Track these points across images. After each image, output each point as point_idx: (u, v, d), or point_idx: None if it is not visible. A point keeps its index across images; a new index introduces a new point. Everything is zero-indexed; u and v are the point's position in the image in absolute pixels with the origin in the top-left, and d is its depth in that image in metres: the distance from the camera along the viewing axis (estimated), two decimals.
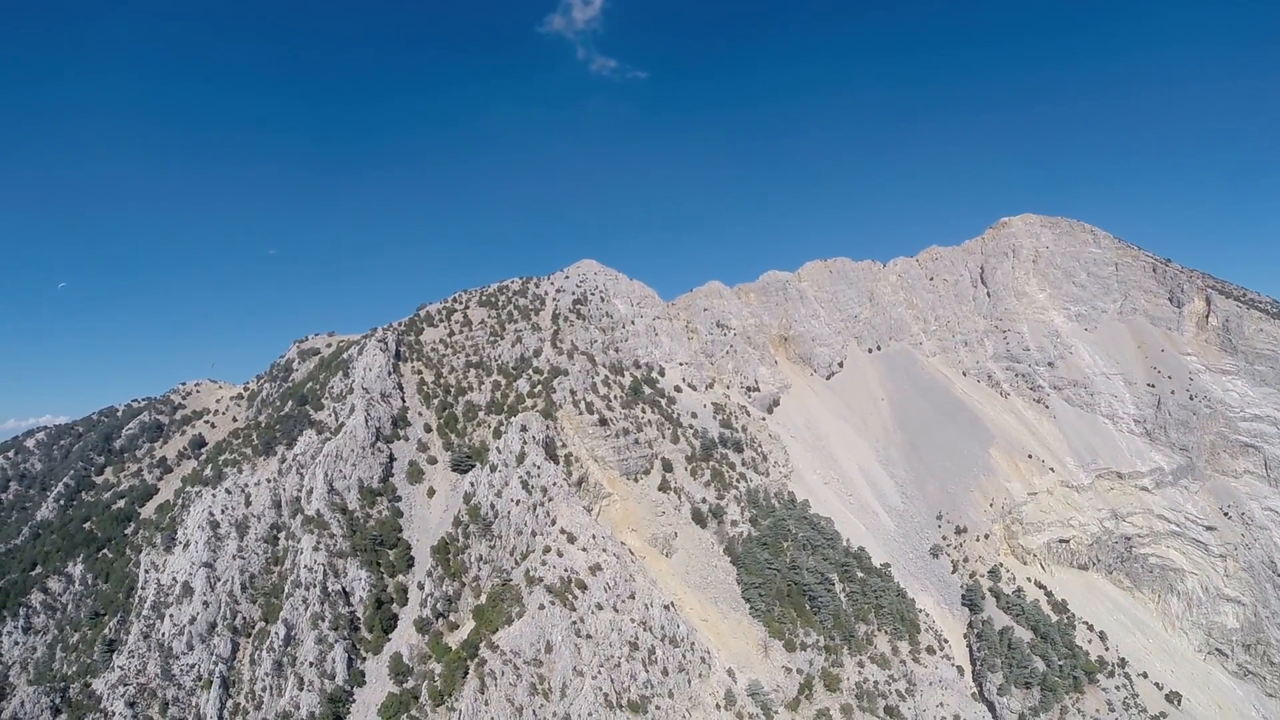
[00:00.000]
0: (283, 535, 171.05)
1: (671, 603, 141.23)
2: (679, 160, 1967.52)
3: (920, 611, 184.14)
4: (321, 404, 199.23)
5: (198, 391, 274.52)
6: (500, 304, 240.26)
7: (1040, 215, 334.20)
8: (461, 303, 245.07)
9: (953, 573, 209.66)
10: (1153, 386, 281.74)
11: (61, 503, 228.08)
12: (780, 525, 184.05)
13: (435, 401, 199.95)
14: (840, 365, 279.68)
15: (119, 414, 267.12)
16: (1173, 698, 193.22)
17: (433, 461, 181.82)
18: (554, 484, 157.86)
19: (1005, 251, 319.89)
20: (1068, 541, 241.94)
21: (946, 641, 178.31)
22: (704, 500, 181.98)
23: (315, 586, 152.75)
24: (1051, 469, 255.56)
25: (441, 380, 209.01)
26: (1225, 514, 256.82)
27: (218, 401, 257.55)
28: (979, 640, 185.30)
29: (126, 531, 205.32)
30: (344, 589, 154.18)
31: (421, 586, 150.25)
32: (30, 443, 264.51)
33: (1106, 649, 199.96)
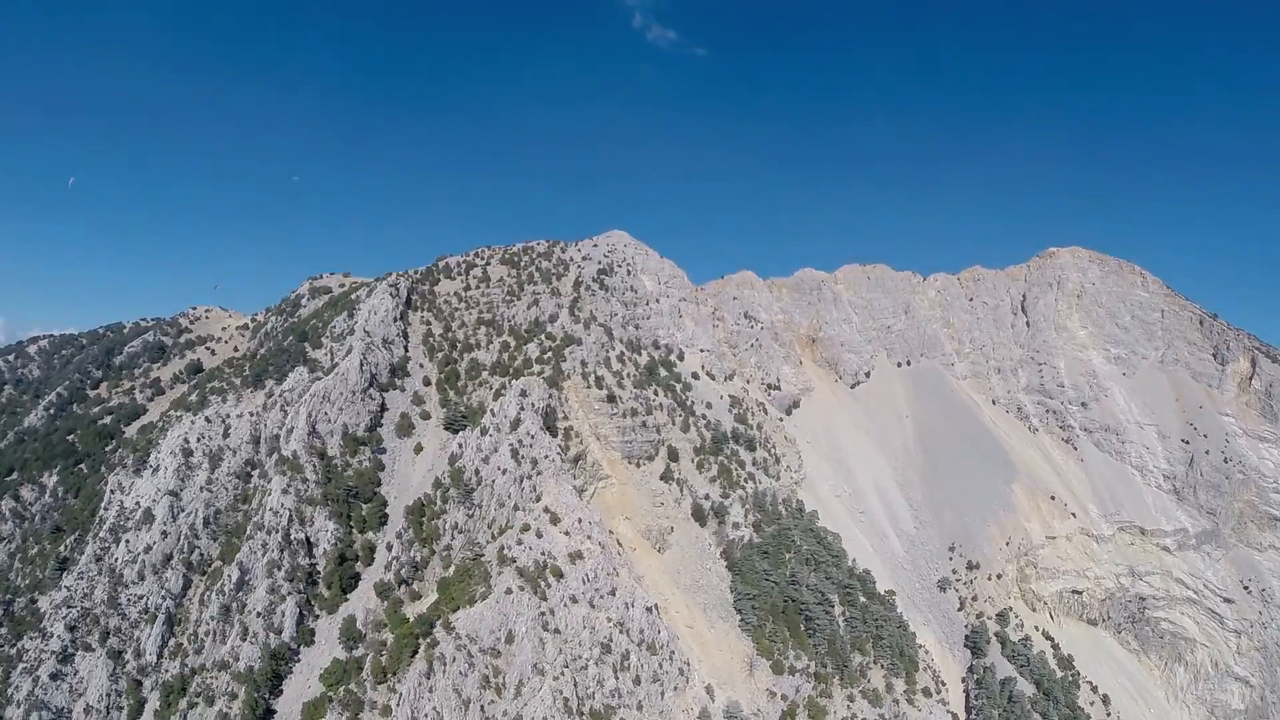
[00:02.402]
0: (256, 473, 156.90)
1: (656, 605, 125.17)
2: (727, 143, 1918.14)
3: (920, 647, 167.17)
4: (320, 342, 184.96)
5: (206, 318, 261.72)
6: (522, 264, 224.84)
7: (1089, 250, 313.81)
8: (483, 258, 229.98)
9: (959, 610, 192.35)
10: (1187, 443, 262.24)
11: (51, 412, 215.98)
12: (784, 534, 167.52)
13: (439, 355, 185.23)
14: (867, 375, 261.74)
15: (125, 330, 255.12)
16: None
17: (426, 417, 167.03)
18: (546, 457, 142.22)
19: (1050, 282, 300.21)
20: (1081, 593, 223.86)
21: (944, 684, 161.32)
22: (707, 496, 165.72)
23: (277, 532, 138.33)
24: (1073, 514, 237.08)
25: (449, 334, 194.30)
26: (1245, 588, 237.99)
27: (223, 329, 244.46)
28: (978, 688, 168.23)
29: (107, 449, 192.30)
30: (308, 539, 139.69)
31: (390, 548, 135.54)
32: (32, 349, 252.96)
33: (1109, 714, 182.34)
